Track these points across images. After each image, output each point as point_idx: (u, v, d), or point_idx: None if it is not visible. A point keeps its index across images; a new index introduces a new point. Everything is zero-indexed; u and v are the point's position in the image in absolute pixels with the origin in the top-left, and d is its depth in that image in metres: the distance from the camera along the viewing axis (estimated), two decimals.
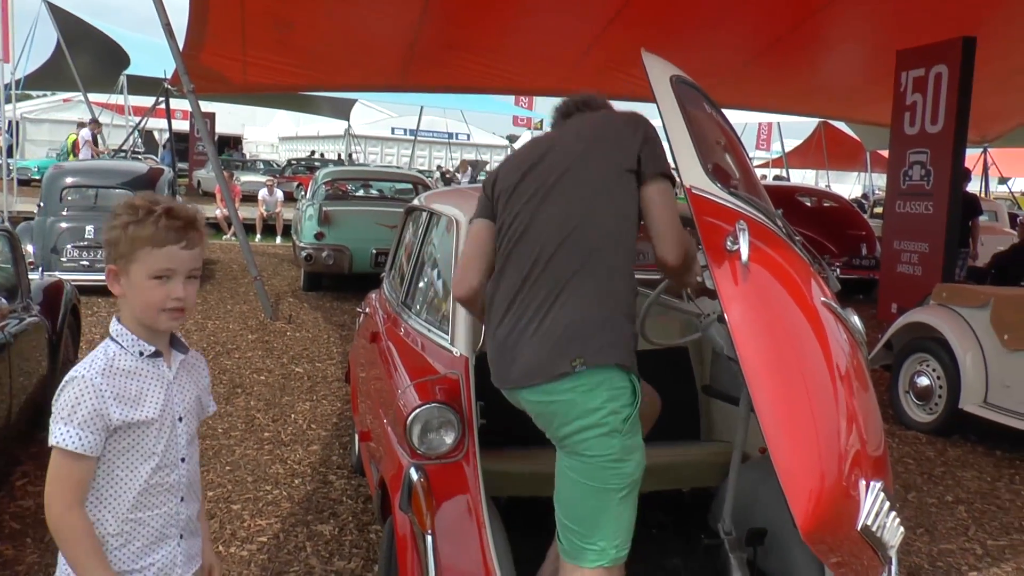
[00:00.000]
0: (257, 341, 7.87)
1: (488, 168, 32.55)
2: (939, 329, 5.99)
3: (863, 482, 2.33)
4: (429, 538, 2.67)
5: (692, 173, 2.57)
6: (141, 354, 1.87)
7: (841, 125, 23.25)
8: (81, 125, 19.30)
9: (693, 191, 2.54)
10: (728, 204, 2.56)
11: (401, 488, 2.87)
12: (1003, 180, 23.96)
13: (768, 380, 2.28)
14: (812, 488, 2.20)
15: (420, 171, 23.68)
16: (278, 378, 6.69)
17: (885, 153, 25.56)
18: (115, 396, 1.80)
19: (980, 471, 5.43)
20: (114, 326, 1.87)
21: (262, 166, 28.45)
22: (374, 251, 10.01)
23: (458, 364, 3.08)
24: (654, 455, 3.30)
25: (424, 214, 4.05)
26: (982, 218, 12.50)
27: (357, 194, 12.89)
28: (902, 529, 2.47)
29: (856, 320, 2.75)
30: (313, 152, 31.91)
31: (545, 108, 38.10)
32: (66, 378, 1.80)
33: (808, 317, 2.50)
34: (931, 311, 6.20)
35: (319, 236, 9.93)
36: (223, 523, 4.11)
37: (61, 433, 1.77)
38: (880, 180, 28.62)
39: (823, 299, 2.56)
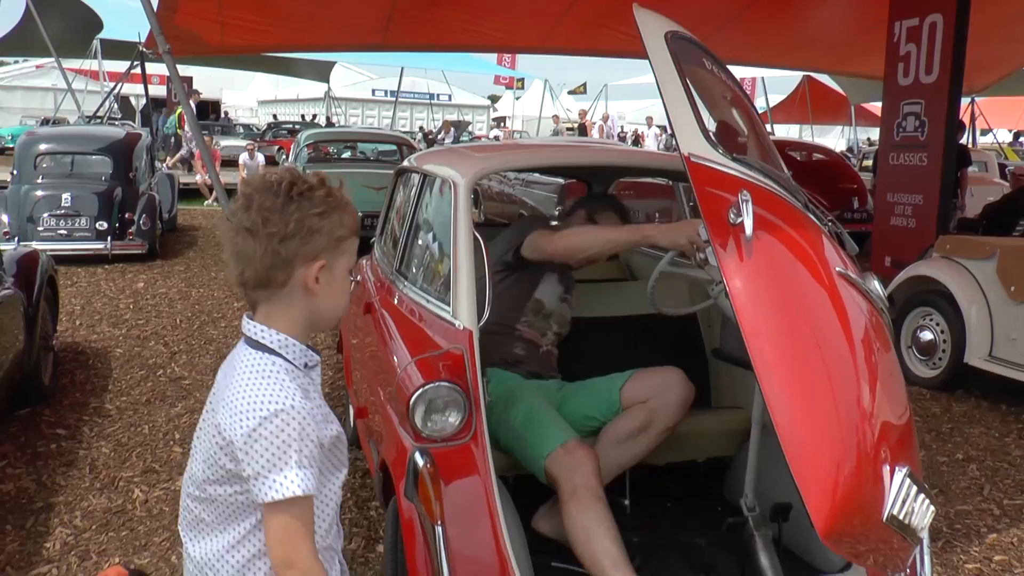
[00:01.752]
0: (244, 309, 7.50)
1: (471, 128, 32.16)
2: (943, 282, 5.81)
3: (887, 468, 2.12)
4: (439, 528, 2.45)
5: (690, 139, 2.31)
6: (306, 365, 1.60)
7: (825, 79, 22.95)
8: None
9: (692, 159, 2.28)
10: (731, 171, 2.31)
11: (406, 474, 2.65)
12: (985, 131, 23.79)
13: (778, 364, 2.04)
14: (829, 484, 1.98)
15: (403, 132, 23.24)
16: None
17: (870, 107, 25.40)
18: (315, 418, 1.52)
19: (987, 427, 5.28)
20: (273, 336, 1.55)
21: (241, 130, 27.90)
22: (361, 214, 9.61)
23: (461, 338, 2.85)
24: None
25: (417, 176, 3.79)
26: (971, 169, 12.32)
27: (341, 156, 12.54)
28: (932, 508, 2.27)
29: (877, 286, 2.53)
30: (304, 116, 31.29)
31: (528, 66, 37.57)
32: (264, 414, 1.45)
33: (822, 290, 2.27)
34: (934, 264, 6.01)
35: None
36: None
37: (299, 479, 1.44)
38: (864, 134, 28.44)
39: (838, 269, 2.33)
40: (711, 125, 2.39)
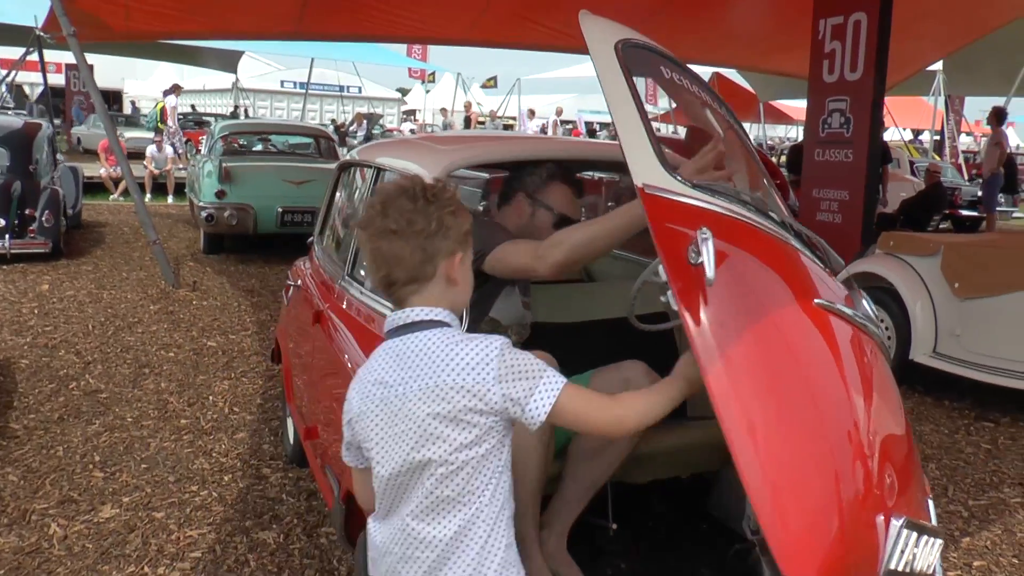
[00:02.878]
0: (160, 312, 7.04)
1: (383, 121, 31.47)
2: (887, 278, 5.74)
3: (882, 517, 1.83)
4: None
5: (644, 168, 1.95)
6: None
7: (735, 77, 23.20)
8: (166, 93, 18.80)
9: (646, 190, 1.94)
10: (691, 202, 1.99)
11: None
12: (884, 129, 24.46)
13: (752, 437, 1.70)
14: (809, 544, 1.68)
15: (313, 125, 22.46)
16: (189, 354, 5.93)
17: (778, 104, 25.78)
18: None
19: (936, 424, 5.21)
20: (444, 313, 1.69)
21: (147, 121, 26.60)
22: (280, 209, 9.20)
23: None
24: (651, 443, 2.86)
25: (370, 172, 3.41)
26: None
27: (256, 149, 11.91)
28: (939, 541, 2.01)
29: (867, 306, 2.31)
30: (194, 107, 30.00)
31: (440, 59, 37.06)
32: (495, 352, 1.59)
33: (801, 328, 1.98)
34: (878, 260, 5.94)
35: (220, 194, 9.03)
36: (146, 537, 3.44)
37: (555, 376, 1.62)
38: (772, 131, 28.94)
39: (817, 301, 2.06)
40: (665, 150, 2.07)
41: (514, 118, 31.42)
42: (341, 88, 33.14)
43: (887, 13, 8.40)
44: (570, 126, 35.03)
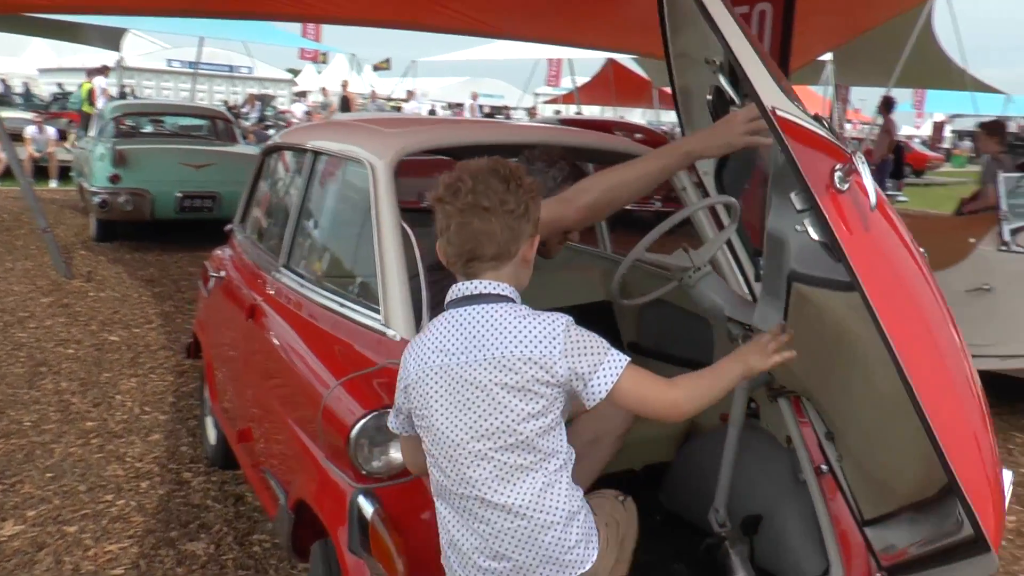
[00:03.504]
0: (54, 305, 6.50)
1: (275, 103, 30.43)
2: None
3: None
4: None
5: (770, 92, 1.92)
6: None
7: (628, 62, 23.39)
8: (92, 73, 17.73)
9: (778, 112, 1.89)
10: (815, 129, 1.95)
11: (348, 524, 2.11)
12: None
13: (930, 367, 1.75)
14: (990, 489, 1.76)
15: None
16: (90, 350, 5.48)
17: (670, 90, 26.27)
18: None
19: None
20: (513, 292, 1.73)
21: (21, 100, 24.88)
22: (179, 194, 8.67)
23: (397, 350, 2.31)
24: None
25: (306, 156, 3.15)
26: None
27: (147, 131, 11.22)
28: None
29: None
30: (60, 85, 28.17)
31: (334, 40, 36.04)
32: (563, 327, 1.63)
33: (923, 272, 1.96)
34: None
35: (114, 179, 8.43)
36: (58, 555, 3.12)
37: (619, 355, 1.65)
38: (666, 116, 29.39)
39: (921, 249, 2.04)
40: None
41: (405, 100, 30.93)
42: (231, 68, 31.80)
43: (791, 3, 8.52)
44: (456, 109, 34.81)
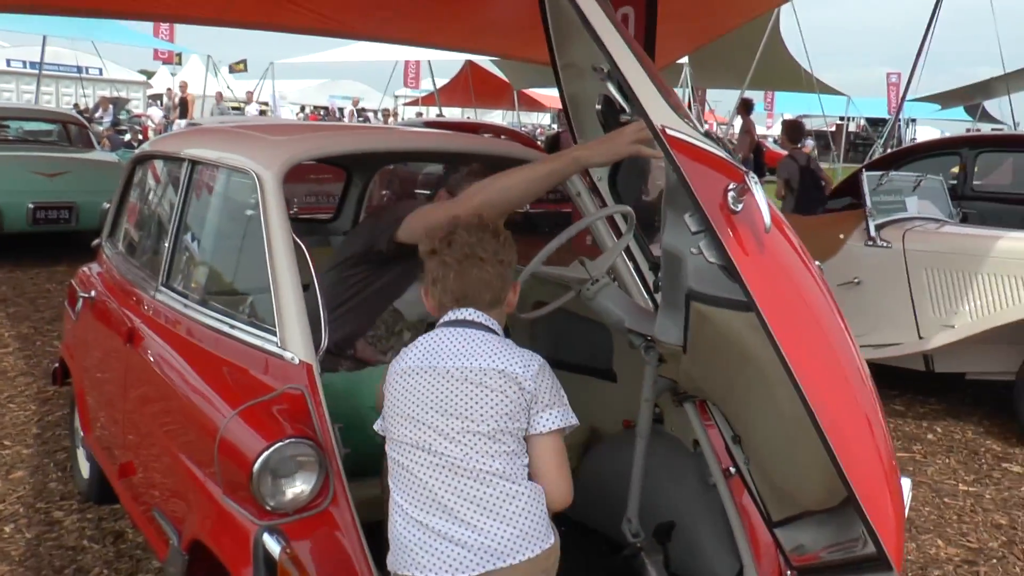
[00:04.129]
0: None
1: (130, 107, 28.88)
2: None
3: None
4: None
5: (659, 110, 1.92)
6: None
7: (487, 64, 23.43)
8: None
9: (668, 132, 1.87)
10: (709, 148, 1.93)
11: (253, 565, 1.95)
12: None
13: (824, 383, 1.77)
14: (892, 512, 1.78)
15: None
16: None
17: (531, 92, 26.33)
18: None
19: None
20: (496, 326, 1.92)
21: None
22: (31, 206, 8.04)
23: (297, 375, 2.17)
24: None
25: (181, 165, 2.92)
26: None
27: None
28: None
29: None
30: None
31: (189, 40, 34.50)
32: (540, 363, 1.86)
33: (822, 289, 1.97)
34: None
35: None
36: None
37: (568, 414, 1.86)
38: (526, 118, 29.65)
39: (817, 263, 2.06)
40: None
41: (267, 103, 30.04)
42: (79, 69, 29.90)
43: (653, 6, 8.69)
44: (322, 111, 34.11)
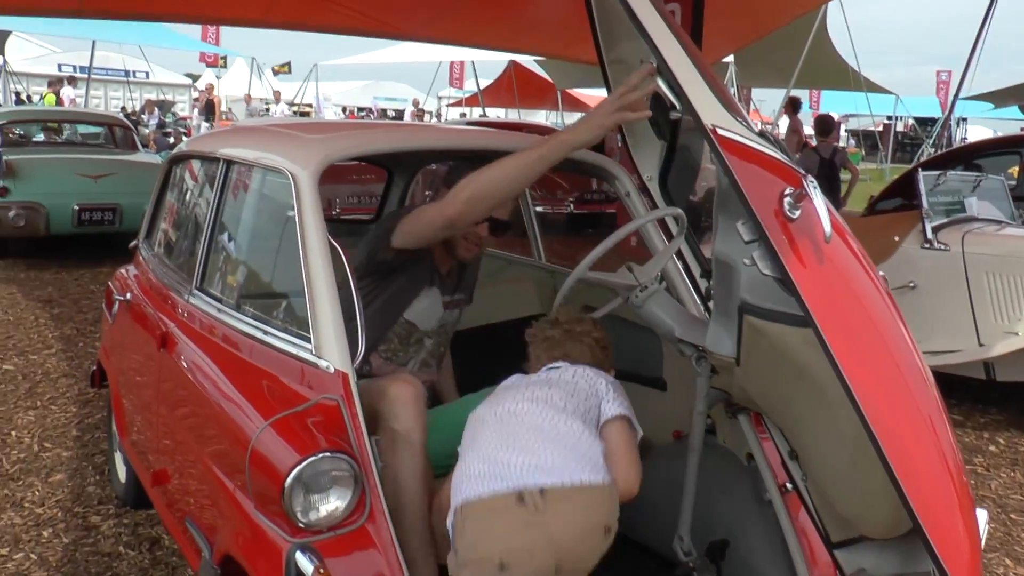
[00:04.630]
0: None
1: (176, 109, 29.26)
2: None
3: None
4: None
5: (709, 109, 1.80)
6: None
7: (531, 65, 23.32)
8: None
9: (719, 132, 1.75)
10: (763, 149, 1.80)
11: None
12: None
13: (888, 406, 1.63)
14: (966, 549, 1.61)
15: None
16: None
17: (575, 93, 26.19)
18: None
19: None
20: None
21: None
22: (77, 207, 8.09)
23: (333, 384, 2.07)
24: None
25: (217, 165, 2.84)
26: None
27: (39, 140, 10.51)
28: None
29: None
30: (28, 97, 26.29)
31: (233, 43, 34.87)
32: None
33: (886, 302, 1.82)
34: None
35: (3, 192, 7.82)
36: None
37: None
38: (569, 118, 29.47)
39: (881, 273, 1.91)
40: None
41: (310, 105, 30.24)
42: (127, 73, 30.40)
43: (700, 4, 8.52)
44: (363, 113, 34.24)
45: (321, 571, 1.80)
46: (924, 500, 1.59)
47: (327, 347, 2.11)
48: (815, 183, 1.70)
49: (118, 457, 3.59)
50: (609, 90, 2.90)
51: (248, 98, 26.49)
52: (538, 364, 2.20)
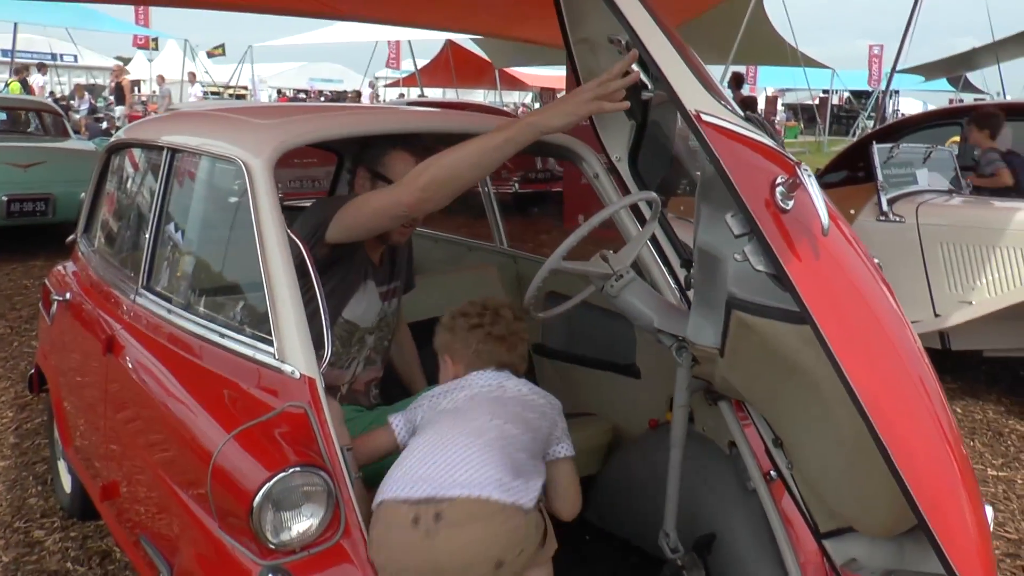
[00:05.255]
0: None
1: (106, 93, 28.21)
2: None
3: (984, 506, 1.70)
4: None
5: (692, 93, 1.67)
6: None
7: (468, 44, 23.03)
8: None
9: (703, 117, 1.62)
10: (751, 135, 1.68)
11: None
12: None
13: (899, 409, 1.55)
14: (980, 551, 1.54)
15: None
16: None
17: (513, 71, 25.97)
18: None
19: None
20: None
21: None
22: (5, 198, 7.68)
23: (299, 390, 1.90)
24: None
25: (164, 154, 2.63)
26: None
27: None
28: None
29: None
30: None
31: (162, 25, 33.74)
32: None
33: (885, 292, 1.72)
34: (676, 224, 5.84)
35: None
36: None
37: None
38: (508, 96, 29.26)
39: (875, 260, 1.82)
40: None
41: (246, 87, 29.50)
42: (54, 56, 29.21)
43: None
44: (301, 95, 33.56)
45: None
46: (932, 503, 1.50)
47: (291, 350, 1.95)
48: (808, 170, 1.59)
49: (62, 466, 3.37)
50: (575, 70, 2.74)
51: (160, 79, 25.35)
52: (477, 362, 2.13)
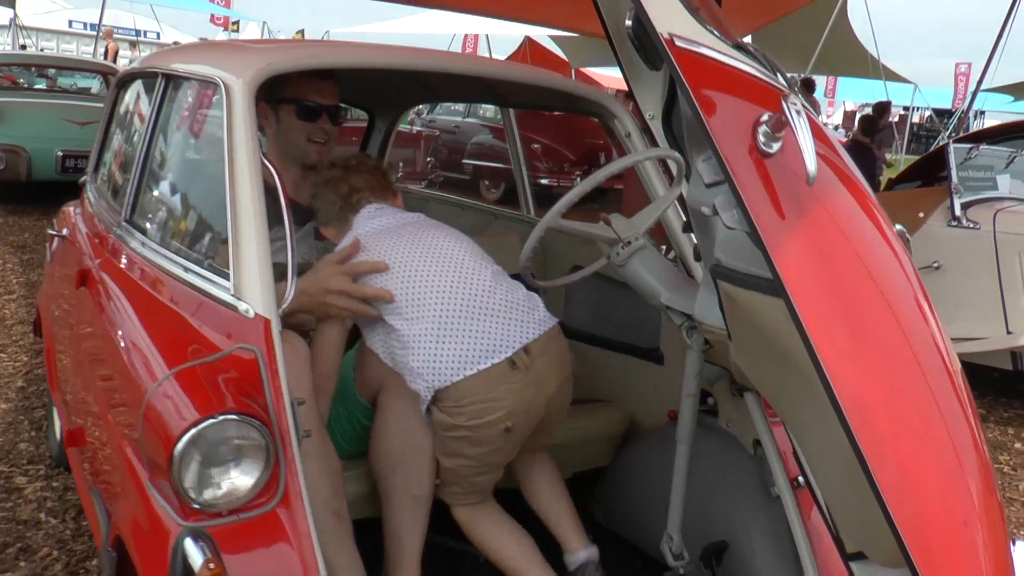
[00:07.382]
0: None
1: None
2: None
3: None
4: None
5: (665, 11, 1.39)
6: None
7: (546, 42, 22.83)
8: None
9: (676, 43, 1.34)
10: (734, 64, 1.38)
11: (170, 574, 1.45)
12: None
13: (884, 408, 1.25)
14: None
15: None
16: None
17: (589, 71, 25.73)
18: None
19: None
20: None
21: None
22: (60, 153, 7.68)
23: (252, 332, 1.66)
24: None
25: (158, 81, 2.42)
26: None
27: (34, 87, 10.07)
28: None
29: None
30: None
31: (243, 6, 34.25)
32: None
33: (903, 268, 1.40)
34: None
35: None
36: None
37: None
38: None
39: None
40: None
41: None
42: (137, 32, 29.88)
43: None
44: None
45: (211, 566, 1.39)
46: (924, 545, 1.19)
47: (248, 287, 1.71)
48: (799, 104, 1.26)
49: (55, 412, 3.20)
50: (619, 63, 2.43)
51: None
52: (348, 207, 2.06)
